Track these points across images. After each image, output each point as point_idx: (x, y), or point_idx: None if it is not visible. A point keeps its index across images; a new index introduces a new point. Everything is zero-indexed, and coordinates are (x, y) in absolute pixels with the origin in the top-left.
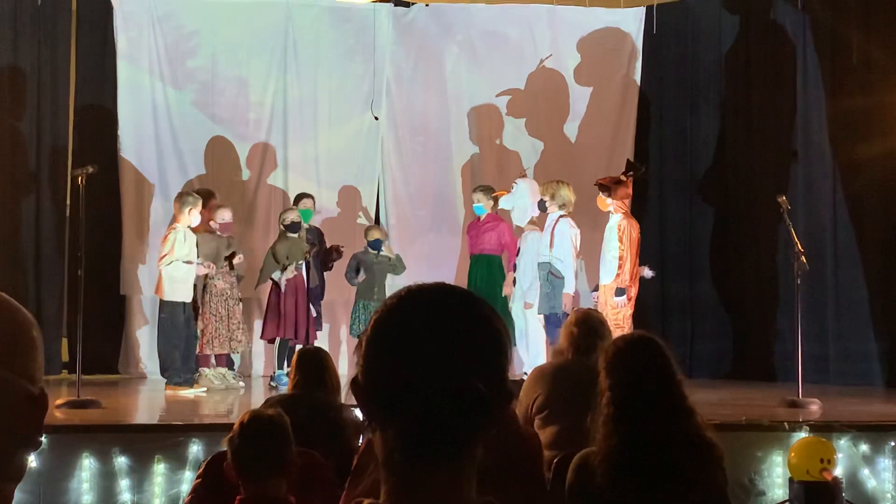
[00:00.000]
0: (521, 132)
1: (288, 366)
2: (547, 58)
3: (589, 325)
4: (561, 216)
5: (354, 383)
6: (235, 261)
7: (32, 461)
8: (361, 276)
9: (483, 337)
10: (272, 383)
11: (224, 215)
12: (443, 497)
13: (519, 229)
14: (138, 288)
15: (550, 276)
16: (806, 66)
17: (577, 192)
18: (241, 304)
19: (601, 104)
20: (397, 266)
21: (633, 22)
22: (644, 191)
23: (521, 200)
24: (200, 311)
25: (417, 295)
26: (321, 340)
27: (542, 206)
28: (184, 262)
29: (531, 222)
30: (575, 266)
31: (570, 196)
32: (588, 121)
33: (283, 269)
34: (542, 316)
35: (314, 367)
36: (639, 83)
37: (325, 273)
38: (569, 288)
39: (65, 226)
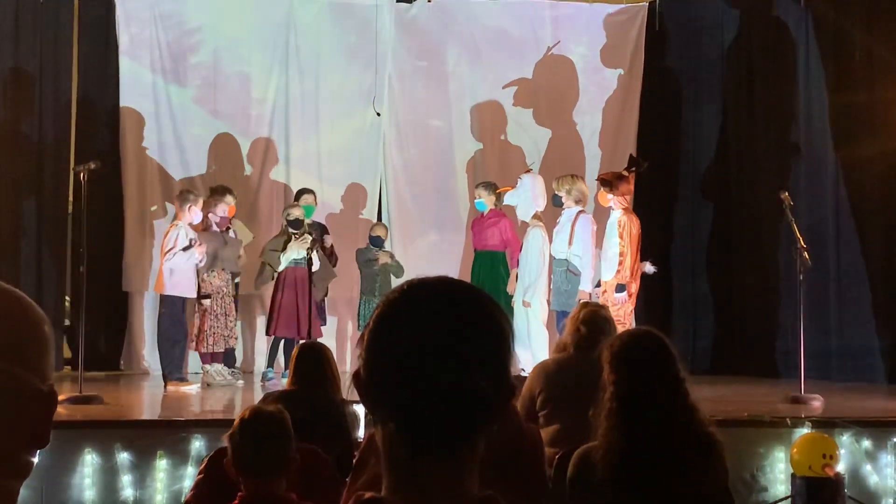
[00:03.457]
0: (527, 124)
1: (285, 365)
2: (555, 45)
3: (595, 324)
4: (580, 212)
5: (356, 377)
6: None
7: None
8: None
9: (485, 331)
10: (266, 382)
11: (219, 210)
12: (444, 491)
13: (523, 225)
14: (140, 284)
15: (568, 273)
16: (808, 62)
17: None
18: (235, 300)
19: (603, 100)
20: (397, 270)
21: (635, 18)
22: (646, 186)
23: (525, 196)
24: (197, 308)
25: (420, 288)
26: (327, 336)
27: (557, 201)
28: (181, 249)
29: (535, 217)
30: (594, 261)
31: (585, 190)
32: (590, 117)
33: (284, 248)
34: (545, 312)
35: (314, 363)
36: (641, 78)
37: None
38: (585, 285)
39: (67, 222)
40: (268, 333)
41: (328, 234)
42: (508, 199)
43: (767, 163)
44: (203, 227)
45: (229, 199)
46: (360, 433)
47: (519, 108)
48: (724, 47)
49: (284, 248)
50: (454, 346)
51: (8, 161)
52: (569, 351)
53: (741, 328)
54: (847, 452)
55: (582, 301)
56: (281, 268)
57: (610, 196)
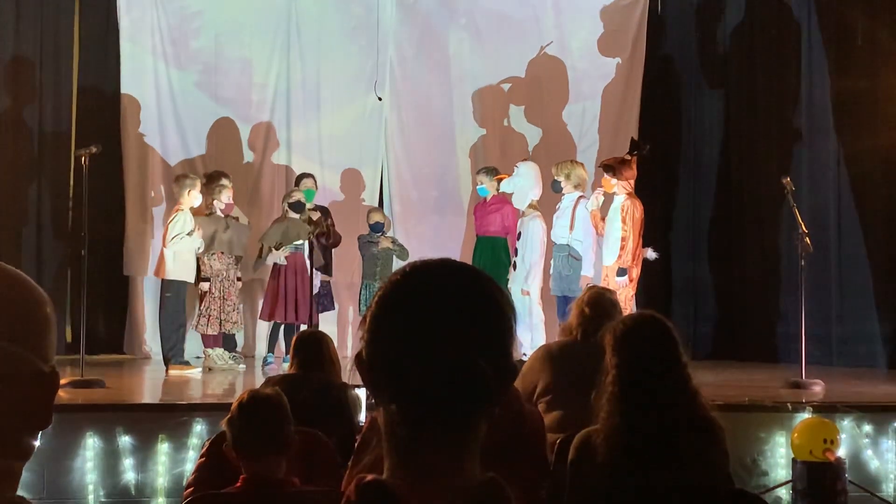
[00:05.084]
0: (522, 119)
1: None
2: (548, 44)
3: (600, 307)
4: (580, 197)
5: (358, 358)
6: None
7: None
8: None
9: (487, 313)
10: (265, 367)
11: (223, 196)
12: (445, 473)
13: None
14: (142, 269)
15: (570, 259)
16: (810, 47)
17: None
18: (238, 283)
19: (605, 85)
20: (401, 253)
21: (637, 2)
22: (647, 172)
23: (521, 184)
24: (198, 291)
25: (422, 270)
26: (329, 322)
27: (556, 187)
28: (186, 234)
29: (531, 206)
30: (594, 246)
31: (584, 175)
32: (591, 102)
33: (278, 247)
34: (539, 298)
35: (314, 348)
36: (643, 64)
37: (332, 252)
38: (587, 270)
39: (67, 207)
40: (265, 318)
41: (330, 216)
42: (505, 186)
43: (769, 148)
44: (207, 213)
45: (226, 182)
46: (362, 417)
47: (512, 106)
48: (727, 32)
49: (283, 238)
50: (456, 327)
51: (9, 146)
52: (574, 335)
53: (742, 313)
54: (848, 437)
55: (589, 284)
56: (280, 259)
57: (614, 181)
